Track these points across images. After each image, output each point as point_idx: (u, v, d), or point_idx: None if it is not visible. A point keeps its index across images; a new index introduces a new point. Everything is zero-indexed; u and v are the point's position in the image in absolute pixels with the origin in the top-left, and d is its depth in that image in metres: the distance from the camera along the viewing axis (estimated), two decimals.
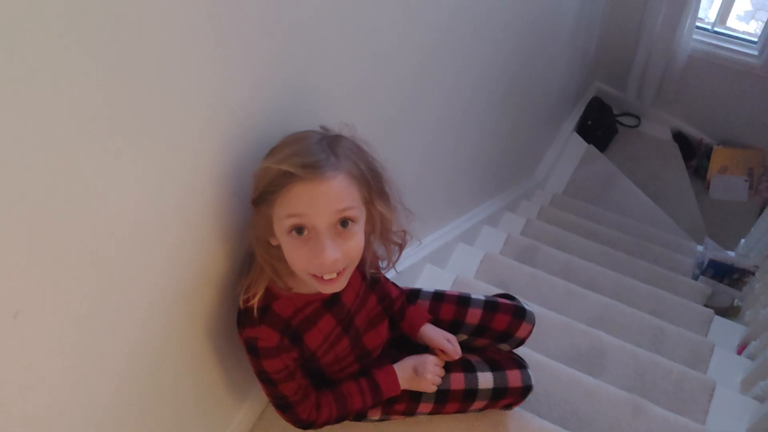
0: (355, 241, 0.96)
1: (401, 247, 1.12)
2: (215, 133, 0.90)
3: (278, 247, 0.99)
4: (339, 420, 1.23)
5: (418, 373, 1.25)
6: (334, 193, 0.90)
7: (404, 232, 1.10)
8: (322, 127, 1.00)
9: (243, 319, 1.06)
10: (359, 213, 0.96)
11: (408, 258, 1.89)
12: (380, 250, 1.11)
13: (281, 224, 0.92)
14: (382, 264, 1.15)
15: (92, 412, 0.86)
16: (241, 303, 1.04)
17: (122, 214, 0.78)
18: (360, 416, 1.31)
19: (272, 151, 0.94)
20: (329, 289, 0.99)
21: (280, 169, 0.88)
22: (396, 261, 1.14)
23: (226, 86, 0.87)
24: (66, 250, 0.71)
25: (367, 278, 1.21)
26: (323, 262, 0.92)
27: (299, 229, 0.91)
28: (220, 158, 0.92)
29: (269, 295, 1.05)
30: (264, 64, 0.95)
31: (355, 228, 0.96)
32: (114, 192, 0.75)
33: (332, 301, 1.12)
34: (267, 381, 1.10)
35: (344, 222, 0.93)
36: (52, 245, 0.68)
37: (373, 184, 0.98)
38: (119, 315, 0.84)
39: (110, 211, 0.76)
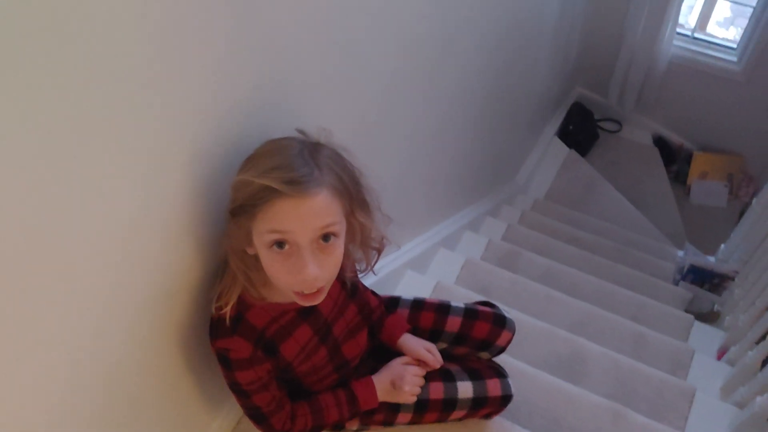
0: (336, 255, 0.95)
1: (379, 251, 1.11)
2: (187, 138, 0.87)
3: (254, 257, 0.97)
4: (314, 431, 1.20)
5: (395, 386, 1.23)
6: (317, 210, 0.89)
7: (383, 237, 1.08)
8: (299, 131, 0.98)
9: (215, 329, 1.03)
10: (341, 227, 0.95)
11: (388, 264, 1.87)
12: (358, 254, 1.09)
13: (262, 238, 0.90)
14: (360, 267, 1.13)
15: (50, 421, 0.83)
16: (213, 310, 1.02)
17: (91, 219, 0.76)
18: (338, 426, 1.28)
19: (251, 161, 0.91)
20: (309, 303, 0.98)
21: (262, 183, 0.86)
22: (374, 265, 1.13)
23: (197, 91, 0.85)
24: (28, 252, 0.68)
25: (347, 285, 1.19)
26: (305, 279, 0.92)
27: (280, 244, 0.90)
28: (193, 164, 0.90)
29: (243, 305, 1.03)
30: (238, 68, 0.93)
31: (337, 242, 0.95)
32: (84, 197, 0.73)
33: (308, 310, 1.10)
34: (240, 392, 1.08)
35: (326, 237, 0.92)
36: (17, 250, 0.66)
37: (354, 195, 0.97)
38: (82, 321, 0.82)
39: (78, 215, 0.74)
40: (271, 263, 0.92)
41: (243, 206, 0.89)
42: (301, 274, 0.91)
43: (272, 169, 0.87)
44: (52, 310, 0.76)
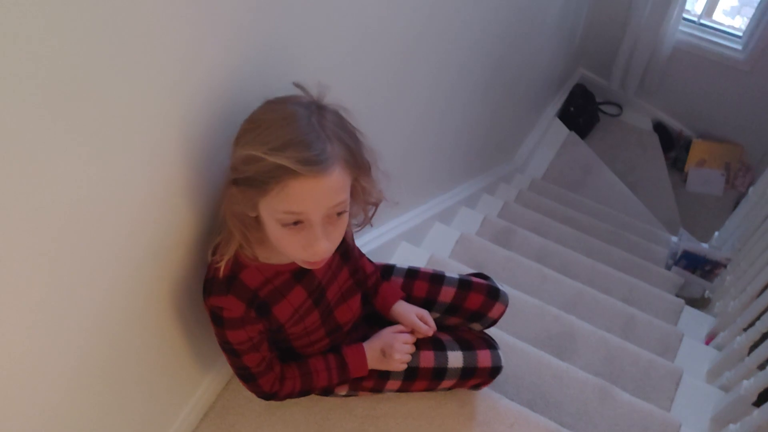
0: (344, 226, 0.96)
1: (376, 205, 1.09)
2: (186, 93, 0.86)
3: (254, 218, 0.95)
4: (302, 394, 1.21)
5: (385, 354, 1.23)
6: (333, 188, 0.88)
7: (380, 191, 1.06)
8: (297, 85, 0.95)
9: (209, 286, 1.03)
10: (349, 200, 0.95)
11: (384, 234, 1.87)
12: (354, 209, 1.07)
13: (275, 215, 0.89)
14: (357, 221, 1.12)
15: (56, 373, 0.84)
16: (208, 258, 1.01)
17: (85, 171, 0.75)
18: (327, 391, 1.29)
19: (257, 131, 0.87)
20: (311, 267, 1.00)
21: (275, 162, 0.82)
22: (371, 218, 1.11)
23: (197, 45, 0.84)
24: (27, 203, 0.68)
25: (342, 247, 1.18)
26: (316, 252, 0.92)
27: (294, 222, 0.90)
28: (190, 118, 0.89)
29: (237, 265, 1.02)
30: (240, 25, 0.91)
31: (346, 215, 0.95)
32: (76, 148, 0.72)
33: (303, 272, 1.10)
34: (230, 351, 1.08)
35: (338, 213, 0.92)
36: (14, 199, 0.66)
37: (359, 161, 0.95)
38: (83, 275, 0.81)
39: (74, 165, 0.72)
40: (281, 236, 0.92)
41: (252, 180, 0.86)
42: (312, 248, 0.91)
43: (285, 146, 0.83)
44: (48, 264, 0.75)
